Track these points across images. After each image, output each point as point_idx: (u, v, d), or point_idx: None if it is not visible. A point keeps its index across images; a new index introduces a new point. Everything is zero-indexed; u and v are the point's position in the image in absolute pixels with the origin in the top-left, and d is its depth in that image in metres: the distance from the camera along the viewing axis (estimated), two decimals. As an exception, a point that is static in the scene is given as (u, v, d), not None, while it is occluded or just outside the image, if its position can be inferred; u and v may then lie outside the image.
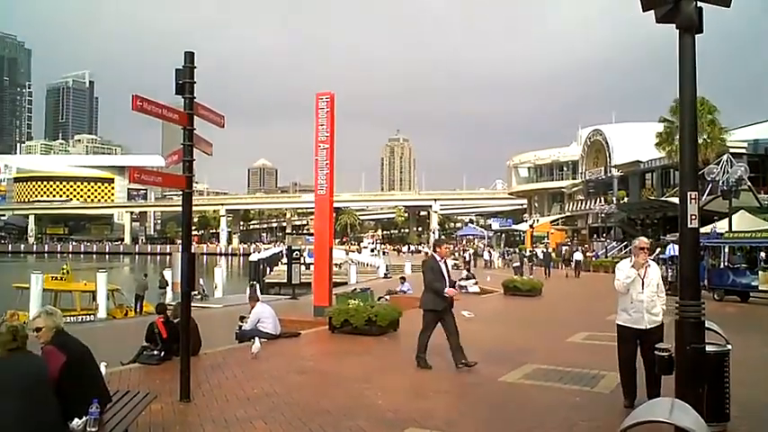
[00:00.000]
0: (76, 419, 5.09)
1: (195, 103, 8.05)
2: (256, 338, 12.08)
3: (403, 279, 27.93)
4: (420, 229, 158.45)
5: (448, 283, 10.13)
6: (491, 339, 13.90)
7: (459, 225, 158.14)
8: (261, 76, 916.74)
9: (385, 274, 44.69)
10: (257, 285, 26.90)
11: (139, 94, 7.34)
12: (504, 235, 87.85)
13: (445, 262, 10.40)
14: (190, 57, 7.97)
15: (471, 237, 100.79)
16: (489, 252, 59.14)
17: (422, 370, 10.24)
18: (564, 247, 56.21)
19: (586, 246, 59.21)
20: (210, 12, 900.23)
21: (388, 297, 21.47)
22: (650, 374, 7.30)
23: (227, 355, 11.68)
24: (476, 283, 26.91)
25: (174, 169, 8.67)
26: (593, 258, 48.72)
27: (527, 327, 16.58)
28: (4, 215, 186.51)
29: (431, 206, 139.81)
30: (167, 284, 31.11)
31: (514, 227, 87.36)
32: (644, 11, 5.98)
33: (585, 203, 69.90)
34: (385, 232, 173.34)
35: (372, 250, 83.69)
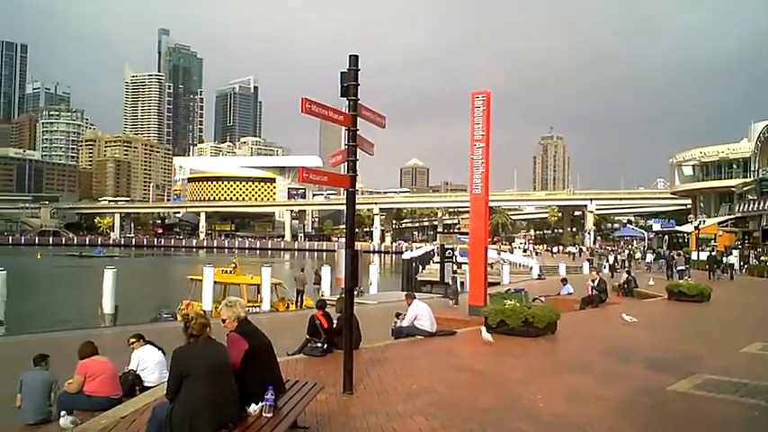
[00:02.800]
0: (253, 405, 5.42)
1: (359, 104, 8.29)
2: (483, 328, 12.73)
3: (564, 281, 27.15)
4: (574, 229, 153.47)
5: None
6: (656, 346, 13.21)
7: (616, 226, 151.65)
8: (414, 76, 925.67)
9: (539, 275, 43.79)
10: (457, 278, 27.04)
11: (309, 97, 7.69)
12: (666, 237, 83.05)
13: None
14: (354, 60, 8.22)
15: (629, 238, 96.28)
16: (650, 254, 56.16)
17: (583, 373, 9.92)
18: (733, 251, 52.24)
19: (759, 249, 54.63)
20: (365, 13, 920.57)
21: (543, 298, 20.99)
22: None
23: (385, 350, 11.94)
24: None
25: (336, 169, 9.00)
26: (768, 263, 44.72)
27: (695, 334, 15.57)
28: (178, 213, 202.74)
29: (586, 206, 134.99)
30: (321, 280, 32.39)
31: (677, 228, 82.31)
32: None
33: (759, 204, 64.42)
34: (537, 232, 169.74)
35: (525, 250, 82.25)
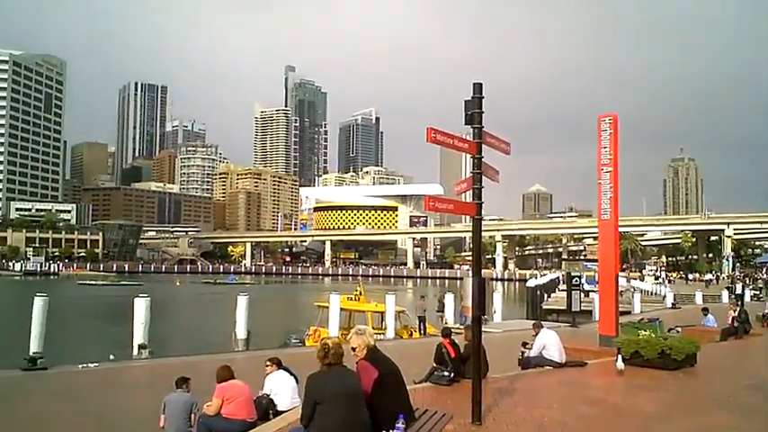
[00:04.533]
0: (384, 432, 5.46)
1: (483, 131, 8.27)
2: (619, 356, 12.34)
3: (705, 311, 25.46)
4: (710, 255, 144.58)
5: None
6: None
7: (758, 251, 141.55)
8: (536, 99, 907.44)
9: (673, 304, 41.55)
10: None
11: (434, 126, 7.77)
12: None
13: None
14: (478, 87, 8.23)
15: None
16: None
17: (727, 410, 9.26)
18: None
19: None
20: (486, 40, 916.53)
21: (679, 329, 19.85)
22: None
23: (513, 380, 11.68)
24: None
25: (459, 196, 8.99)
26: None
27: None
28: (305, 241, 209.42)
29: (723, 230, 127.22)
30: (444, 308, 32.26)
31: (831, 253, 75.81)
32: None
33: None
34: (669, 259, 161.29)
35: (657, 278, 78.58)
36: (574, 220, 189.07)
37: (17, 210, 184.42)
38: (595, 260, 28.75)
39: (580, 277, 35.53)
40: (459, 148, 8.27)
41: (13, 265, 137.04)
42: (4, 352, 24.85)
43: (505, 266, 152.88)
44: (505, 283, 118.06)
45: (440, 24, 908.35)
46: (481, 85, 8.28)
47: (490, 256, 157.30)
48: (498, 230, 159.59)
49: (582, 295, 32.87)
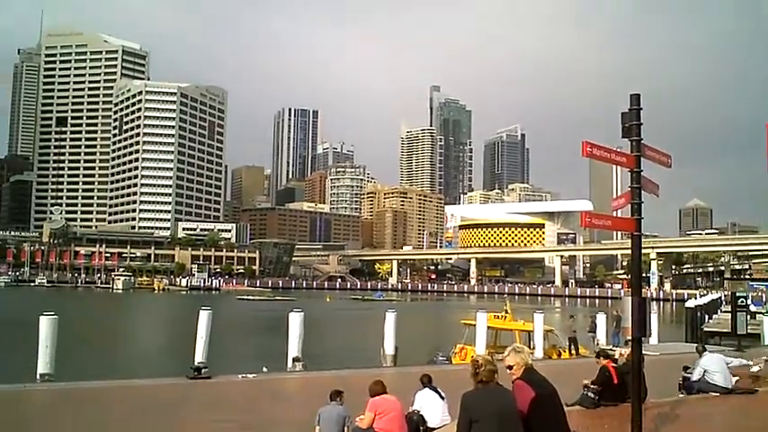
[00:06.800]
0: (540, 455, 5.30)
1: (642, 144, 7.91)
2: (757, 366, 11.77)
3: None
4: None
5: None
6: None
7: None
8: (694, 108, 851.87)
9: None
10: None
11: (589, 140, 7.54)
12: None
13: None
14: (636, 99, 7.89)
15: None
16: None
17: None
18: None
19: None
20: (635, 50, 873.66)
21: None
22: None
23: (675, 406, 10.98)
24: None
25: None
26: None
27: None
28: (450, 258, 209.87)
29: None
30: (596, 328, 30.97)
31: None
32: None
33: None
34: None
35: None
36: (737, 236, 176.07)
37: (184, 229, 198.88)
38: (764, 280, 26.63)
39: (746, 298, 33.05)
40: (617, 162, 7.98)
41: (180, 280, 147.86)
42: (174, 361, 26.85)
43: (661, 286, 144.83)
44: (661, 303, 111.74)
45: (587, 36, 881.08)
46: (639, 96, 7.94)
47: (644, 275, 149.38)
48: (653, 248, 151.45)
49: (748, 317, 30.50)
